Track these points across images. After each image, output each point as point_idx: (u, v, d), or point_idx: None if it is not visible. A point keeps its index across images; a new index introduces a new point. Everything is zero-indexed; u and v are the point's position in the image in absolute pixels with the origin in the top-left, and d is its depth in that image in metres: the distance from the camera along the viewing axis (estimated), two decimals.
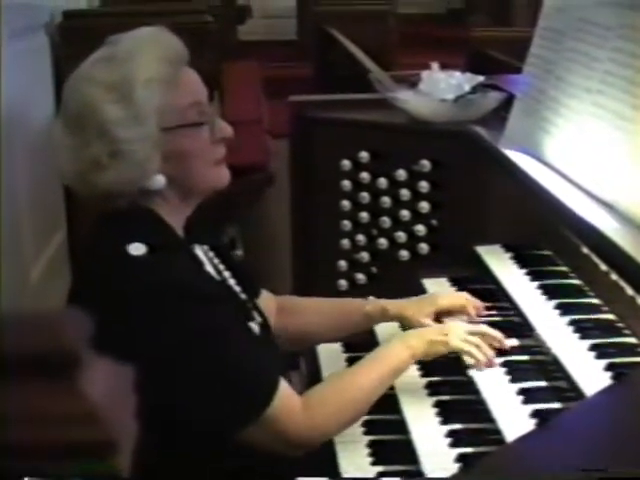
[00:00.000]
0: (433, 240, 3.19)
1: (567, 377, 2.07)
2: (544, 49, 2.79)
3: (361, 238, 3.32)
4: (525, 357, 2.32)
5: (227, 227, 4.28)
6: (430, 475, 2.02)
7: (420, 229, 3.19)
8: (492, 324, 2.46)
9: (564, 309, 2.34)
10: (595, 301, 2.37)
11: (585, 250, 2.41)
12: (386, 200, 3.24)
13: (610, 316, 2.28)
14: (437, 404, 2.28)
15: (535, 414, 2.02)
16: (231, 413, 2.02)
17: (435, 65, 3.24)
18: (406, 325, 2.52)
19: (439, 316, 2.52)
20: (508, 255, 2.78)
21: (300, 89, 4.10)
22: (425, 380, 2.37)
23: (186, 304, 2.00)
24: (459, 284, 2.77)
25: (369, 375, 2.19)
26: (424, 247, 3.19)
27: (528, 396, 2.11)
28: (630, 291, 2.14)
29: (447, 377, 2.36)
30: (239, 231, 4.56)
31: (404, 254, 3.22)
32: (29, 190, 4.22)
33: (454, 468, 1.99)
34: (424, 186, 3.16)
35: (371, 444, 2.26)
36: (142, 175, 2.06)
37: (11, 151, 3.92)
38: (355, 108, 3.41)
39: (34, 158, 4.16)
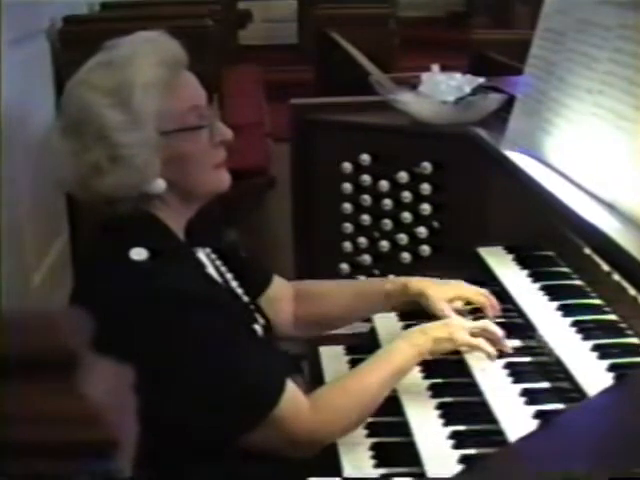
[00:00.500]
0: (435, 242, 3.19)
1: (570, 378, 2.07)
2: (544, 50, 2.78)
3: (363, 241, 3.32)
4: (528, 358, 2.31)
5: (228, 231, 4.28)
6: (433, 477, 2.01)
7: (422, 231, 3.18)
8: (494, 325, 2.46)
9: (566, 310, 2.34)
10: (597, 302, 2.37)
11: (587, 251, 2.40)
12: (388, 202, 3.24)
13: (612, 317, 2.28)
14: (440, 406, 2.27)
15: (538, 415, 2.02)
16: (239, 415, 2.02)
17: (435, 67, 3.24)
18: (424, 305, 2.49)
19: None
20: (510, 256, 2.77)
21: (301, 93, 4.10)
22: (428, 382, 2.36)
23: (188, 309, 2.00)
24: None
25: (375, 375, 2.19)
26: (426, 249, 3.19)
27: (531, 397, 2.11)
28: (632, 291, 2.14)
29: (450, 379, 2.36)
30: (240, 234, 4.56)
31: (406, 256, 3.22)
32: (30, 195, 4.22)
33: (457, 469, 1.99)
34: (425, 188, 3.16)
35: (374, 446, 2.26)
36: (142, 179, 2.06)
37: (12, 156, 3.92)
38: (356, 111, 3.41)
39: (35, 163, 4.16)
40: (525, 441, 1.45)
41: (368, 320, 2.73)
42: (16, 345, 0.68)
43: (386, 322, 2.70)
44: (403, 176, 3.19)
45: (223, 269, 2.32)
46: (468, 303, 2.54)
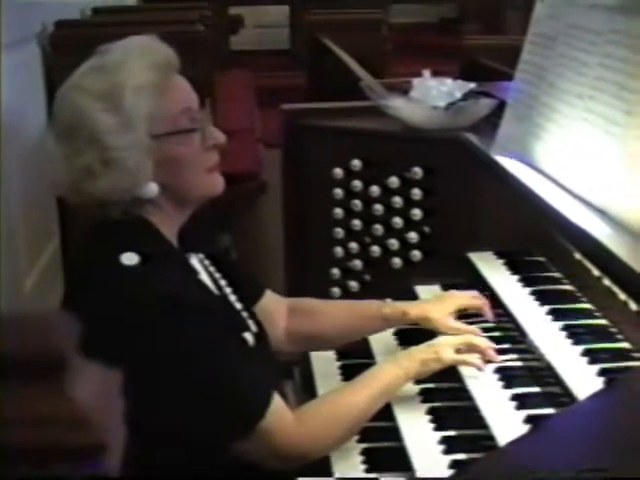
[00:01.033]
0: (426, 247, 3.19)
1: (560, 383, 2.07)
2: (535, 55, 2.79)
3: (354, 246, 3.32)
4: (518, 363, 2.32)
5: (220, 235, 4.28)
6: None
7: (413, 236, 3.18)
8: (485, 330, 2.47)
9: (557, 315, 2.34)
10: (588, 306, 2.38)
11: (577, 256, 2.41)
12: (379, 208, 3.24)
13: (603, 321, 2.28)
14: (430, 411, 2.28)
15: (529, 420, 2.02)
16: (224, 426, 2.02)
17: (427, 72, 3.24)
18: (429, 328, 2.50)
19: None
20: (501, 261, 2.78)
21: (293, 98, 4.10)
22: (418, 387, 2.36)
23: (178, 315, 1.99)
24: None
25: (362, 393, 2.19)
26: (417, 254, 3.19)
27: (521, 402, 2.12)
28: (623, 296, 2.14)
29: (440, 384, 2.36)
30: (232, 239, 4.56)
31: (397, 261, 3.22)
32: (22, 200, 4.22)
33: (448, 474, 1.99)
34: (416, 193, 3.16)
35: (365, 451, 2.26)
36: (135, 183, 2.06)
37: (3, 161, 3.91)
38: (347, 116, 3.41)
39: (27, 169, 4.15)
40: (514, 445, 1.45)
41: None
42: (3, 348, 0.68)
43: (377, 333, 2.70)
44: (394, 181, 3.19)
45: (217, 275, 2.32)
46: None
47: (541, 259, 2.74)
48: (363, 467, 2.21)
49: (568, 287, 2.52)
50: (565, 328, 2.26)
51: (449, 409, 2.28)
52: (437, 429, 2.19)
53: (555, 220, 2.35)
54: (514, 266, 2.72)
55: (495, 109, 3.05)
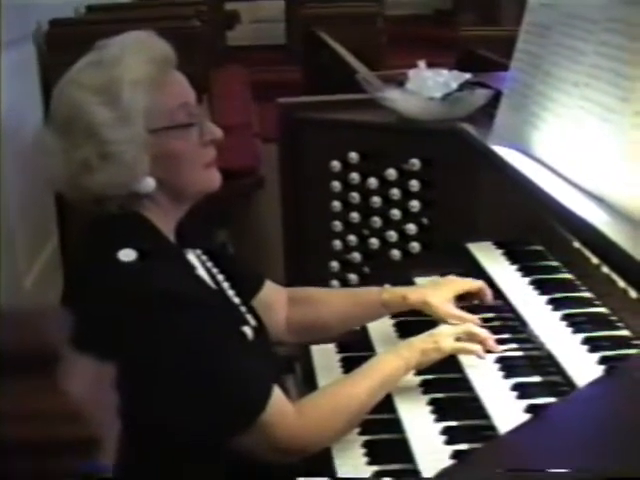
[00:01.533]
0: (424, 239, 3.19)
1: (561, 371, 2.07)
2: (530, 44, 2.78)
3: (352, 238, 3.32)
4: (518, 352, 2.32)
5: (218, 231, 4.28)
6: (426, 473, 2.01)
7: (411, 228, 3.18)
8: (485, 320, 2.46)
9: (556, 304, 2.34)
10: (587, 295, 2.38)
11: (576, 244, 2.41)
12: (377, 200, 3.24)
13: (602, 309, 2.28)
14: (431, 402, 2.28)
15: (529, 409, 2.02)
16: (225, 420, 2.02)
17: (422, 64, 3.23)
18: (428, 313, 2.51)
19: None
20: (499, 251, 2.78)
21: (290, 93, 4.09)
22: (419, 378, 2.36)
23: (177, 311, 1.99)
24: None
25: (362, 384, 2.19)
26: (415, 246, 3.19)
27: (522, 391, 2.11)
28: (622, 284, 2.14)
29: (441, 374, 2.35)
30: (230, 235, 4.56)
31: (396, 253, 3.21)
32: (20, 200, 4.22)
33: (450, 465, 1.99)
34: (414, 185, 3.16)
35: (366, 444, 2.26)
36: (132, 177, 2.06)
37: (2, 162, 3.91)
38: (343, 109, 3.41)
39: (24, 168, 4.15)
40: (513, 434, 1.45)
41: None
42: None
43: (378, 320, 2.70)
44: (392, 173, 3.19)
45: (214, 270, 2.32)
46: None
47: (540, 248, 2.74)
48: (365, 459, 2.20)
49: (567, 276, 2.52)
50: (565, 317, 2.26)
51: (450, 400, 2.28)
52: (438, 420, 2.19)
53: (553, 209, 2.35)
54: (513, 256, 2.72)
55: (491, 99, 3.05)
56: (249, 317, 2.30)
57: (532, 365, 2.24)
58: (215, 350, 2.01)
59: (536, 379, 2.18)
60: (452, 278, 2.61)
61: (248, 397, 2.03)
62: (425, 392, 2.32)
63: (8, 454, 0.65)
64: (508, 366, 2.25)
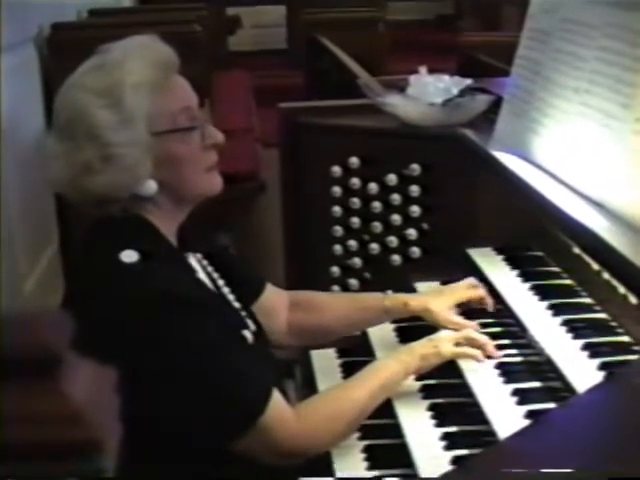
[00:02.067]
0: (425, 244, 3.19)
1: (561, 377, 2.07)
2: (531, 50, 2.79)
3: (353, 243, 3.32)
4: (519, 358, 2.32)
5: (220, 235, 4.28)
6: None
7: (411, 233, 3.18)
8: (485, 326, 2.46)
9: (557, 309, 2.34)
10: (587, 301, 2.38)
11: (576, 250, 2.41)
12: (377, 205, 3.24)
13: (603, 315, 2.28)
14: (431, 407, 2.28)
15: (529, 415, 2.02)
16: (224, 422, 2.02)
17: (423, 69, 3.23)
18: (429, 320, 2.52)
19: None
20: (500, 257, 2.78)
21: (291, 97, 4.10)
22: (419, 383, 2.36)
23: (179, 313, 1.99)
24: None
25: (362, 389, 2.20)
26: (416, 251, 3.19)
27: (522, 397, 2.11)
28: (622, 290, 2.14)
29: (441, 380, 2.36)
30: (232, 239, 4.56)
31: (396, 258, 3.22)
32: (20, 203, 4.22)
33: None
34: (415, 190, 3.16)
35: (366, 448, 2.26)
36: (133, 180, 2.07)
37: (1, 164, 3.91)
38: (344, 114, 3.41)
39: (25, 172, 4.16)
40: (513, 439, 1.45)
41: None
42: None
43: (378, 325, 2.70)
44: (392, 178, 3.19)
45: (215, 275, 2.32)
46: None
47: (540, 254, 2.74)
48: (365, 464, 2.20)
49: (567, 281, 2.52)
50: (565, 322, 2.26)
51: (450, 405, 2.28)
52: (438, 425, 2.19)
53: (554, 214, 2.35)
54: (513, 261, 2.72)
55: (492, 105, 3.05)
56: (249, 322, 2.30)
57: (532, 371, 2.23)
58: (216, 352, 2.02)
59: (536, 385, 2.17)
60: (454, 286, 2.62)
61: (247, 400, 2.03)
62: (425, 397, 2.32)
63: (9, 457, 0.65)
64: (508, 371, 2.24)
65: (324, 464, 2.20)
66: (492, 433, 2.03)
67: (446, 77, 3.21)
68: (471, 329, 2.40)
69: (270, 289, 2.58)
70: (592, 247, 2.21)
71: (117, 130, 2.04)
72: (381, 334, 2.70)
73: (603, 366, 2.01)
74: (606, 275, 2.23)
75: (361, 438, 2.29)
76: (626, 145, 2.19)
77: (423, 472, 2.04)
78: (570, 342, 2.17)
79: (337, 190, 3.30)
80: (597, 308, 2.32)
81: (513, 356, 2.32)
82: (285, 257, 3.54)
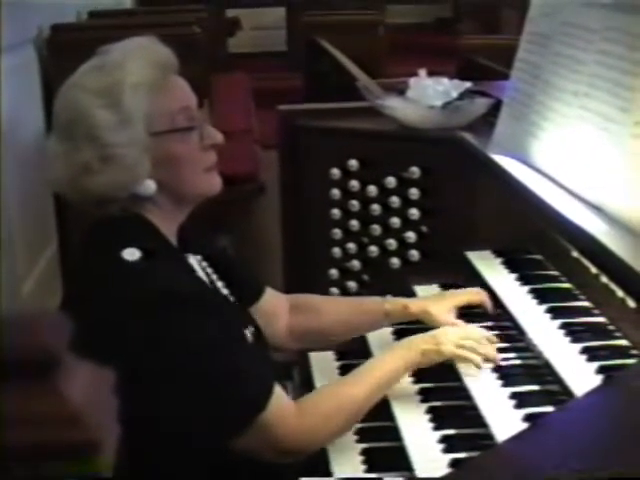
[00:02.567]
0: (423, 247, 3.19)
1: (559, 381, 2.07)
2: (531, 54, 2.79)
3: (352, 246, 3.32)
4: (517, 361, 2.32)
5: (219, 237, 4.28)
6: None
7: (410, 236, 3.18)
8: (483, 329, 2.46)
9: (555, 313, 2.34)
10: (586, 304, 2.38)
11: (575, 254, 2.41)
12: (376, 208, 3.24)
13: (601, 319, 2.28)
14: (430, 410, 2.28)
15: (527, 418, 2.02)
16: (225, 418, 2.02)
17: (422, 72, 3.24)
18: (428, 323, 2.52)
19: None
20: (498, 260, 2.78)
21: (290, 100, 4.10)
22: (417, 386, 2.36)
23: (182, 309, 2.00)
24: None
25: (361, 384, 2.20)
26: (415, 254, 3.19)
27: (520, 400, 2.11)
28: (620, 293, 2.14)
29: (439, 383, 2.36)
30: (231, 241, 4.56)
31: (395, 261, 3.22)
32: (19, 204, 4.22)
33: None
34: (414, 193, 3.16)
35: (364, 451, 2.26)
36: (132, 179, 2.07)
37: (1, 166, 3.91)
38: (344, 116, 3.41)
39: (24, 173, 4.16)
40: (511, 442, 1.45)
41: None
42: None
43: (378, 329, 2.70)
44: (391, 181, 3.19)
45: (214, 277, 2.32)
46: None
47: (539, 257, 2.74)
48: (363, 467, 2.20)
49: (566, 285, 2.52)
50: (563, 326, 2.26)
51: (448, 408, 2.28)
52: (436, 428, 2.19)
53: (552, 218, 2.35)
54: (512, 264, 2.72)
55: (491, 108, 3.05)
56: (248, 322, 2.30)
57: (530, 374, 2.23)
58: (217, 349, 2.02)
59: (534, 388, 2.17)
60: (455, 291, 2.63)
61: (249, 395, 2.04)
62: (423, 400, 2.32)
63: (7, 459, 0.65)
64: (506, 375, 2.24)
65: (322, 467, 2.20)
66: (490, 436, 2.03)
67: (445, 80, 3.21)
68: (479, 328, 2.39)
69: (270, 292, 2.58)
70: (591, 251, 2.21)
71: (116, 130, 2.04)
72: (379, 336, 2.70)
73: (601, 369, 2.01)
74: (604, 279, 2.23)
75: (359, 441, 2.29)
76: (625, 149, 2.19)
77: (421, 475, 2.04)
78: (568, 345, 2.17)
79: (336, 192, 3.30)
80: (595, 312, 2.32)
81: (511, 359, 2.32)
82: (284, 259, 3.54)
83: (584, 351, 2.12)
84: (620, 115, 2.22)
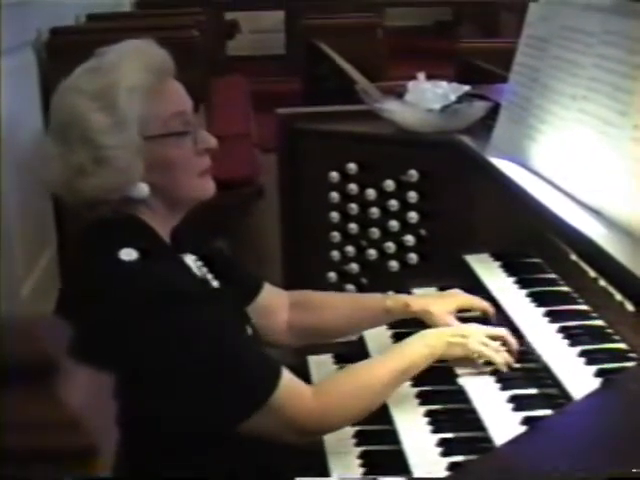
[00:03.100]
0: (422, 250, 3.19)
1: (557, 384, 2.07)
2: (529, 57, 2.79)
3: (350, 249, 3.32)
4: (515, 365, 2.31)
5: (217, 240, 4.28)
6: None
7: (409, 239, 3.19)
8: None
9: (553, 316, 2.34)
10: (584, 307, 2.38)
11: (573, 257, 2.41)
12: (375, 211, 3.24)
13: (599, 322, 2.28)
14: (428, 413, 2.27)
15: (526, 421, 2.02)
16: (237, 402, 2.03)
17: (421, 75, 3.24)
18: (428, 322, 2.52)
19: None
20: (497, 263, 2.78)
21: (289, 103, 4.10)
22: (416, 389, 2.36)
23: (182, 308, 2.01)
24: None
25: (385, 366, 2.20)
26: (413, 257, 3.19)
27: (519, 404, 2.11)
28: (619, 297, 2.14)
29: (437, 386, 2.35)
30: (229, 244, 4.56)
31: (393, 264, 3.22)
32: (18, 206, 4.22)
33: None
34: (412, 196, 3.16)
35: (363, 454, 2.25)
36: (125, 182, 2.08)
37: (0, 168, 3.91)
38: (342, 120, 3.42)
39: (22, 175, 4.15)
40: (509, 445, 1.45)
41: None
42: None
43: (375, 330, 2.70)
44: (390, 184, 3.19)
45: (209, 276, 2.33)
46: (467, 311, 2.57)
47: (537, 261, 2.74)
48: (361, 470, 2.20)
49: (564, 288, 2.52)
50: (562, 329, 2.26)
51: (447, 411, 2.27)
52: (435, 431, 2.19)
53: (551, 221, 2.36)
54: (510, 268, 2.72)
55: (490, 111, 3.06)
56: (245, 323, 2.31)
57: (528, 377, 2.23)
58: (222, 337, 2.04)
59: (532, 391, 2.17)
60: (456, 291, 2.62)
61: (256, 379, 2.05)
62: (422, 403, 2.32)
63: (6, 464, 0.65)
64: (504, 378, 2.24)
65: (321, 469, 2.20)
66: (488, 439, 2.03)
67: (444, 83, 3.22)
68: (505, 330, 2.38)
69: (268, 288, 2.58)
70: (589, 254, 2.21)
71: (110, 133, 2.05)
72: (378, 340, 2.70)
73: (599, 373, 2.01)
74: (603, 282, 2.23)
75: (358, 444, 2.29)
76: (623, 152, 2.19)
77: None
78: (567, 349, 2.17)
79: (335, 196, 3.31)
80: (594, 315, 2.32)
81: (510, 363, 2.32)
82: (283, 262, 3.55)
83: (582, 354, 2.12)
84: (619, 118, 2.22)
